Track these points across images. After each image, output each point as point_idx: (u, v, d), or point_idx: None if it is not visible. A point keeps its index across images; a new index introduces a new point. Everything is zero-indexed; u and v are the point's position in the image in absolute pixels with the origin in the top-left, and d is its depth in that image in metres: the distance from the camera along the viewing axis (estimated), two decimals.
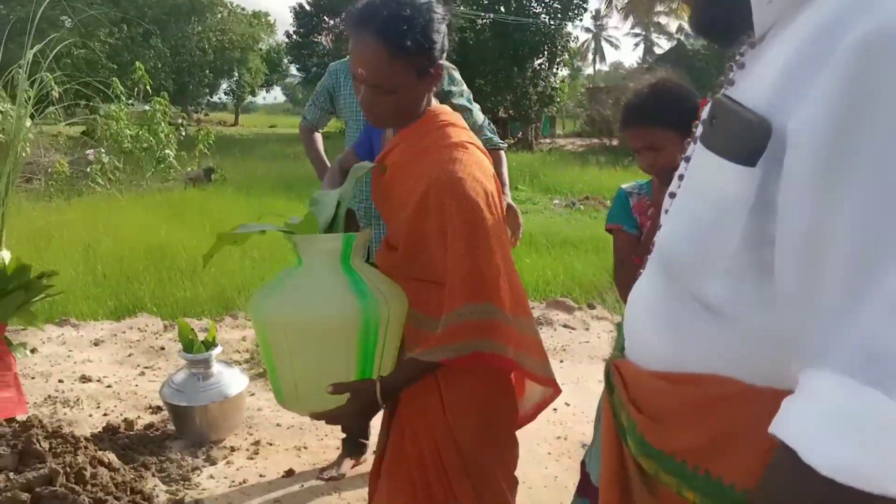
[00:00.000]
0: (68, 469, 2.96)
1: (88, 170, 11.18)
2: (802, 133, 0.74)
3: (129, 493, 3.05)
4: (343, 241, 1.67)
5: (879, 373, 0.69)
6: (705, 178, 0.90)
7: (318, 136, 3.34)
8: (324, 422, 1.72)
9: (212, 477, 3.32)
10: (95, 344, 4.83)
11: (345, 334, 1.62)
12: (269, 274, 6.71)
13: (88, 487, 2.95)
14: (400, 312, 1.71)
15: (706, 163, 0.89)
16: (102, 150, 11.66)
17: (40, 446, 3.18)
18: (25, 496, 2.79)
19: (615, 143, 23.90)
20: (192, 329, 3.70)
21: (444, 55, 1.73)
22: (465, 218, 1.63)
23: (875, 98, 0.69)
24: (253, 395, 4.10)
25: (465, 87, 3.09)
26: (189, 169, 13.17)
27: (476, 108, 3.10)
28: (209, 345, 3.65)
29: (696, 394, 0.92)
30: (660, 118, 2.00)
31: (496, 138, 3.14)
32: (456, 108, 2.70)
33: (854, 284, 0.71)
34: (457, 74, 3.09)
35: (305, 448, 3.56)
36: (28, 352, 2.98)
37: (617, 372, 1.09)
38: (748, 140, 0.80)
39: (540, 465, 3.36)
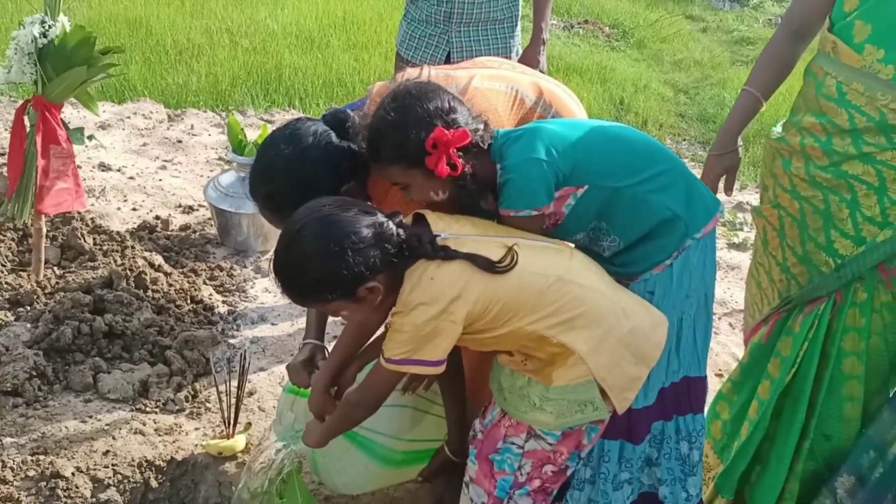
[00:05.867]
0: (128, 272, 2.71)
1: None
2: None
3: (189, 301, 2.84)
4: None
5: None
6: None
7: None
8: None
9: (267, 290, 3.12)
10: (102, 127, 4.40)
11: (390, 475, 2.06)
12: (260, 67, 6.21)
13: (150, 293, 2.73)
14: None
15: None
16: None
17: (84, 241, 2.91)
18: (87, 298, 2.55)
19: None
20: (242, 129, 3.35)
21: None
22: None
23: None
24: None
25: None
26: None
27: None
28: None
29: None
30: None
31: None
32: None
33: None
34: None
35: None
36: (87, 139, 2.62)
37: None
38: None
39: None
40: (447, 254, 1.51)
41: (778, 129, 1.97)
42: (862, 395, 1.93)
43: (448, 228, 1.57)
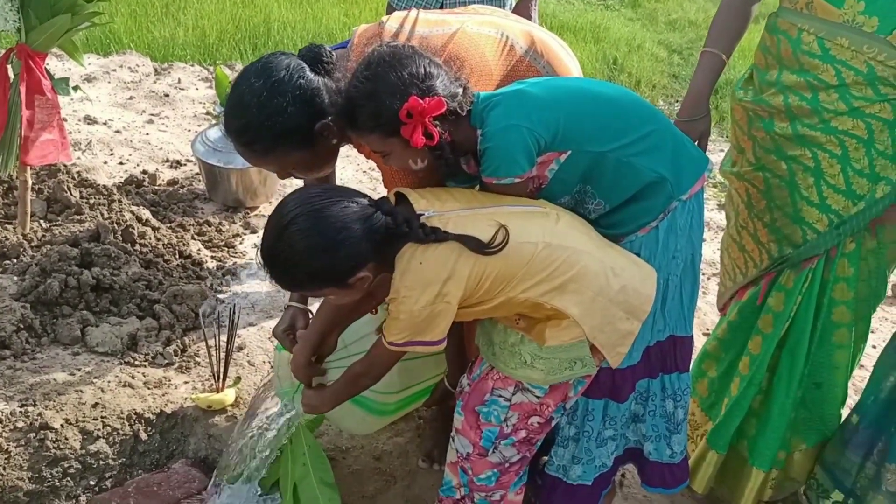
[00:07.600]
0: (115, 226, 2.69)
1: None
2: None
3: (177, 256, 2.83)
4: None
5: None
6: None
7: None
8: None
9: (255, 246, 3.11)
10: (87, 80, 4.33)
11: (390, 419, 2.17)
12: (248, 21, 6.11)
13: (137, 247, 2.71)
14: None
15: None
16: None
17: (71, 194, 2.88)
18: (74, 251, 2.53)
19: None
20: (230, 82, 3.29)
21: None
22: None
23: None
24: None
25: None
26: None
27: None
28: None
29: None
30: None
31: None
32: None
33: None
34: None
35: None
36: (71, 89, 2.57)
37: None
38: None
39: None
40: (438, 237, 1.50)
41: (740, 89, 1.92)
42: (851, 342, 1.95)
43: (431, 206, 1.56)
